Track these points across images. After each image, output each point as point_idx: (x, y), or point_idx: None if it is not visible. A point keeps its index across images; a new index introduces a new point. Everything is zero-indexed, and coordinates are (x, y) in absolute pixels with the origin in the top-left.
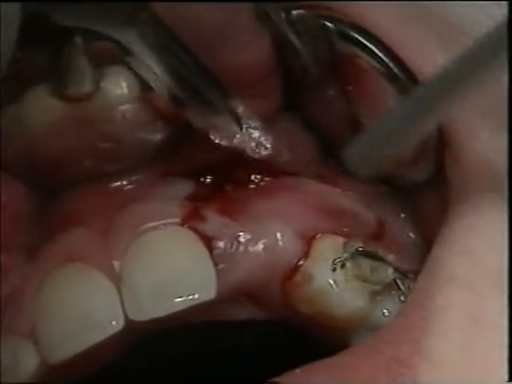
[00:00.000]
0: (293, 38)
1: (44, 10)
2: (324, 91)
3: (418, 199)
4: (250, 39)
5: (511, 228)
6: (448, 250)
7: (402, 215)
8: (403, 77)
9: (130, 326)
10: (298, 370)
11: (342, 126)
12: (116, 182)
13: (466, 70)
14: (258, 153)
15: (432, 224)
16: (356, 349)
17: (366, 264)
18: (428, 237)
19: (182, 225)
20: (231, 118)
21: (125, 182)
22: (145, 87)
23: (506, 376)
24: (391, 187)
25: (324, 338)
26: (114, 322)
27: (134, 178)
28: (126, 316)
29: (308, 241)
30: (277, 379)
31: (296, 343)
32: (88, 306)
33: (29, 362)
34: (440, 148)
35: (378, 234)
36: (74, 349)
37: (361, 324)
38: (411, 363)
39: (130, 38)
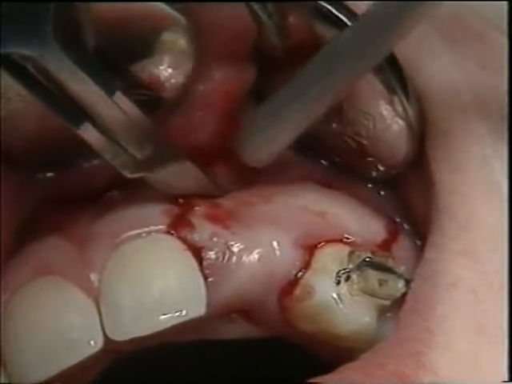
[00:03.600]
0: (257, 8)
1: None
2: None
3: (400, 187)
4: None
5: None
6: (446, 251)
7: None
8: (387, 65)
9: (110, 346)
10: None
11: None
12: (93, 184)
13: None
14: None
15: (421, 218)
16: (355, 364)
17: (373, 276)
18: (418, 233)
19: (168, 233)
20: None
21: (103, 185)
22: None
23: (506, 376)
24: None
25: (327, 357)
26: (92, 342)
27: (111, 179)
28: (105, 335)
29: (309, 250)
30: None
31: (293, 360)
32: (63, 324)
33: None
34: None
35: (388, 243)
36: (48, 372)
37: (368, 343)
38: (415, 377)
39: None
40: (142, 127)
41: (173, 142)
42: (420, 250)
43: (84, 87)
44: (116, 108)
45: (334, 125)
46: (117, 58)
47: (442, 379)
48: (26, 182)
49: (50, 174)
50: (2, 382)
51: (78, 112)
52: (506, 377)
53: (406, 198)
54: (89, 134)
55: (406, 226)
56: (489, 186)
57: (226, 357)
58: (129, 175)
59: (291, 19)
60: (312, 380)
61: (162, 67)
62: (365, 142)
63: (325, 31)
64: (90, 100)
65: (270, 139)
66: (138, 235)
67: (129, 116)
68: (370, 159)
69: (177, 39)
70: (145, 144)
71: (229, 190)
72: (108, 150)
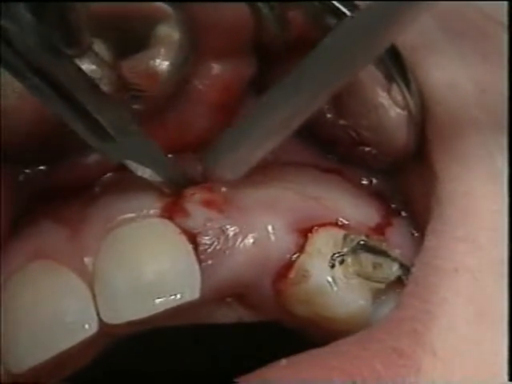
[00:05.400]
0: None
1: None
2: None
3: (401, 176)
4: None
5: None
6: (448, 238)
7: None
8: (387, 55)
9: (105, 330)
10: (284, 361)
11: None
12: (85, 178)
13: None
14: None
15: (420, 205)
16: (351, 339)
17: (368, 259)
18: (417, 220)
19: (162, 216)
20: None
21: (96, 170)
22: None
23: (506, 376)
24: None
25: (322, 341)
26: (86, 326)
27: (104, 173)
28: (99, 319)
29: (303, 234)
30: (258, 372)
31: (289, 344)
32: (57, 308)
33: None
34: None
35: (382, 227)
36: (42, 356)
37: (363, 326)
38: (413, 355)
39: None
40: (119, 109)
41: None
42: (416, 237)
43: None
44: (91, 86)
45: (334, 115)
46: (111, 52)
47: (441, 360)
48: (21, 174)
49: (42, 167)
50: None
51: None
52: (505, 372)
53: (407, 188)
54: (73, 119)
55: (403, 212)
56: (491, 174)
57: (221, 341)
58: (110, 160)
59: (291, 12)
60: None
61: (157, 60)
62: (364, 131)
63: (326, 23)
64: (66, 79)
65: (253, 146)
66: (132, 219)
67: (105, 97)
68: (369, 148)
69: (172, 32)
70: (123, 127)
71: (199, 181)
72: (91, 136)
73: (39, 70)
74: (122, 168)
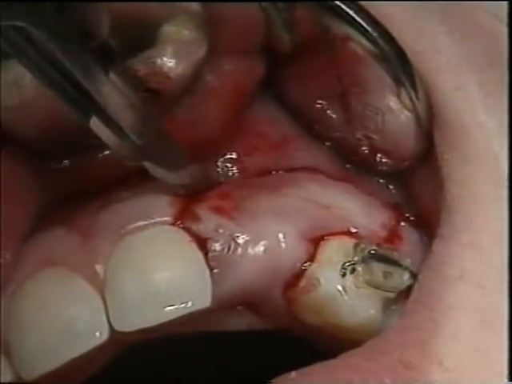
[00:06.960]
0: (267, 4)
1: None
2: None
3: (409, 181)
4: None
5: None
6: (454, 244)
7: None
8: (395, 58)
9: (116, 337)
10: (293, 373)
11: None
12: (106, 173)
13: None
14: None
15: (428, 212)
16: (360, 350)
17: (378, 269)
18: (425, 226)
19: (173, 224)
20: None
21: (115, 175)
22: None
23: (505, 376)
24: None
25: (332, 350)
26: (97, 333)
27: (123, 169)
28: (110, 326)
29: (314, 242)
30: None
31: (298, 352)
32: (68, 315)
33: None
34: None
35: (392, 236)
36: (53, 363)
37: (373, 335)
38: (420, 366)
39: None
40: (139, 112)
41: (173, 133)
42: (427, 244)
43: (80, 64)
44: (112, 88)
45: (343, 119)
46: (119, 51)
47: (448, 370)
48: (43, 170)
49: (65, 162)
50: (3, 371)
51: (83, 102)
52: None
53: (415, 193)
54: (93, 123)
55: (413, 219)
56: (497, 180)
57: (231, 349)
58: (129, 163)
59: (298, 14)
60: (315, 365)
61: (165, 58)
62: (374, 136)
63: (331, 25)
64: (87, 79)
65: None
66: (144, 226)
67: (126, 99)
68: (379, 154)
69: (180, 30)
70: (144, 130)
71: (219, 181)
72: (110, 138)
73: (55, 64)
74: (136, 172)
